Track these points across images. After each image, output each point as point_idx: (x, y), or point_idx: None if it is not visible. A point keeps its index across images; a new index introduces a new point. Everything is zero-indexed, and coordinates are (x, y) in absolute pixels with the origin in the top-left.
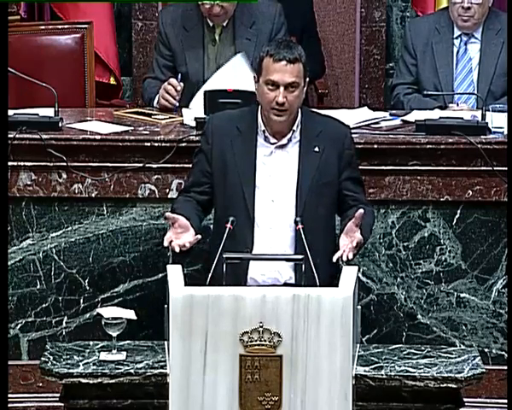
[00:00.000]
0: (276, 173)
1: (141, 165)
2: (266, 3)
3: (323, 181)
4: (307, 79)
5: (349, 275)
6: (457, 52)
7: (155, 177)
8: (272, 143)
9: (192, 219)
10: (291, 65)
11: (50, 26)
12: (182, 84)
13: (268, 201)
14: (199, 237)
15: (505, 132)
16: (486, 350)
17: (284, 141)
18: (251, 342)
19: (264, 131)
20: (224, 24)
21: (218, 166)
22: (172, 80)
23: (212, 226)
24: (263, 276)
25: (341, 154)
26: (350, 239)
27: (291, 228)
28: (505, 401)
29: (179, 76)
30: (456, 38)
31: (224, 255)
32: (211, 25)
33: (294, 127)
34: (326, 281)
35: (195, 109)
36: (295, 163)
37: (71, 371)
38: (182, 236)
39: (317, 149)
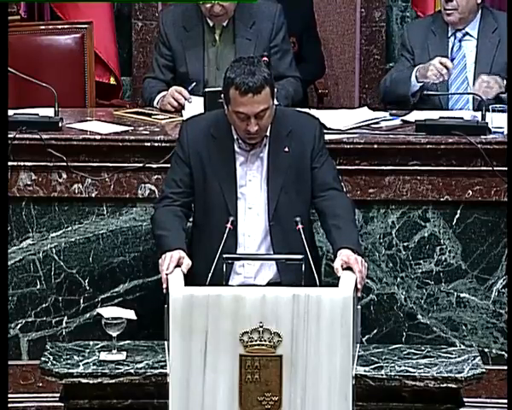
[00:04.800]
0: (252, 180)
1: (141, 165)
2: (266, 3)
3: (296, 180)
4: (275, 90)
5: (349, 275)
6: (452, 49)
7: (155, 177)
8: (247, 151)
9: (182, 245)
10: (258, 95)
11: (50, 26)
12: (192, 98)
13: (246, 208)
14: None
15: (505, 132)
16: (486, 350)
17: (258, 148)
18: (251, 342)
19: (238, 140)
20: (224, 24)
21: (197, 173)
22: (184, 92)
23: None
24: (242, 283)
25: (312, 150)
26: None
27: (268, 234)
28: (505, 401)
29: (192, 85)
30: (451, 36)
31: (224, 256)
32: (211, 25)
33: (267, 133)
34: (307, 278)
35: (195, 108)
36: (266, 167)
37: (71, 371)
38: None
39: (286, 149)
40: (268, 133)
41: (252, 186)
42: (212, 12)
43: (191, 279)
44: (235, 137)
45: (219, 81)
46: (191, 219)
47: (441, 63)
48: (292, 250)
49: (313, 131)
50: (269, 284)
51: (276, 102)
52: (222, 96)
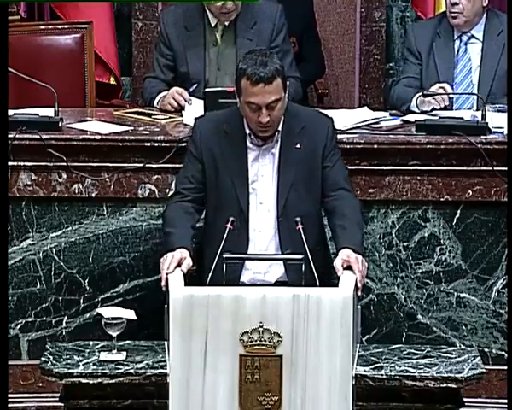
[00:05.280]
0: (264, 175)
1: (141, 165)
2: (267, 4)
3: (306, 177)
4: (287, 83)
5: (349, 275)
6: (457, 52)
7: (155, 177)
8: (259, 146)
9: (187, 243)
10: (269, 85)
11: (50, 26)
12: (192, 100)
13: (257, 204)
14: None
15: (505, 132)
16: (486, 350)
17: (271, 143)
18: (251, 342)
19: (250, 135)
20: (226, 23)
21: (209, 170)
22: (185, 93)
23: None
24: (252, 279)
25: (324, 148)
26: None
27: (275, 229)
28: (505, 401)
29: (193, 87)
30: (457, 38)
31: (224, 255)
32: (212, 25)
33: (279, 128)
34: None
35: (195, 110)
36: (277, 162)
37: (71, 371)
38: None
39: (298, 145)
40: (280, 128)
41: (263, 181)
42: (223, 9)
43: (202, 276)
44: (248, 132)
45: (220, 81)
46: (203, 217)
47: (441, 88)
48: (298, 248)
49: (326, 130)
50: (277, 282)
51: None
52: (231, 92)
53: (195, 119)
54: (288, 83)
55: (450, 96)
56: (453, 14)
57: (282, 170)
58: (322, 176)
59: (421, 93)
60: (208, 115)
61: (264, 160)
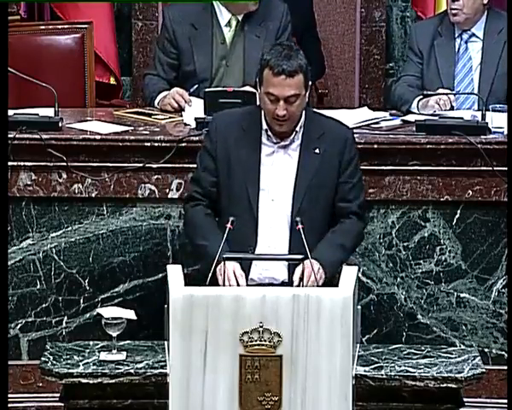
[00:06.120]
0: (277, 173)
1: (141, 165)
2: (275, 2)
3: (322, 183)
4: (309, 83)
5: (349, 275)
6: (458, 50)
7: (155, 177)
8: (275, 143)
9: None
10: (290, 78)
11: (50, 26)
12: (192, 102)
13: (269, 200)
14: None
15: (505, 132)
16: (486, 350)
17: (287, 141)
18: (251, 342)
19: (266, 131)
20: (240, 18)
21: (222, 165)
22: (185, 94)
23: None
24: (260, 275)
25: (342, 157)
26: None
27: (288, 228)
28: (505, 401)
29: (194, 87)
30: (457, 37)
31: (224, 255)
32: (223, 23)
33: (297, 128)
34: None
35: (195, 110)
36: (295, 164)
37: (71, 371)
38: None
39: (317, 150)
40: (298, 129)
41: (277, 179)
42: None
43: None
44: (265, 127)
45: (227, 78)
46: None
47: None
48: (310, 251)
49: (345, 140)
50: (283, 283)
51: None
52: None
53: (214, 114)
54: (309, 83)
55: (453, 101)
56: (453, 11)
57: (300, 173)
58: (337, 189)
59: (421, 96)
60: (227, 111)
61: (279, 158)
